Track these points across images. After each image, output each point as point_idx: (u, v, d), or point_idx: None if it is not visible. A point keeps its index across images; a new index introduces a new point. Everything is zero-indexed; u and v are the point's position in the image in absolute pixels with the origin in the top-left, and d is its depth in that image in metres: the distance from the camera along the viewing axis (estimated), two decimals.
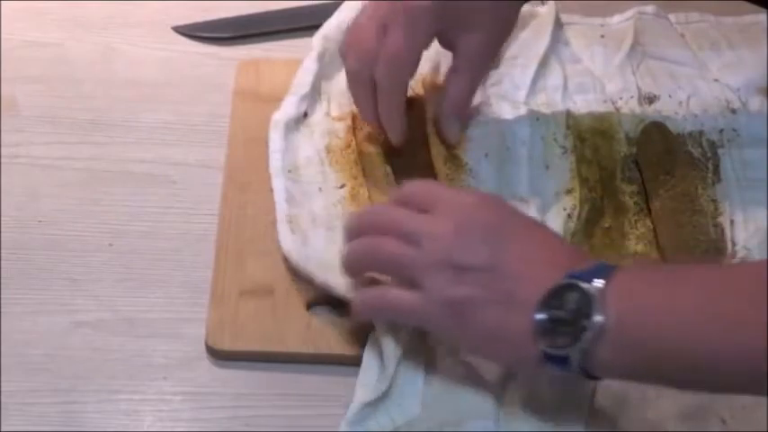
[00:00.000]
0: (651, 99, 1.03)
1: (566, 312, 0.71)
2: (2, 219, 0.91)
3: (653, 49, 1.08)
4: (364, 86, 0.91)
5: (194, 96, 1.03)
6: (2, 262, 0.89)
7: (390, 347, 0.81)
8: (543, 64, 1.04)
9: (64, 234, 0.91)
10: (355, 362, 0.84)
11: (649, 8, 1.11)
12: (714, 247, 0.91)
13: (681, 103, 1.03)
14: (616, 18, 1.11)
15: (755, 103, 1.03)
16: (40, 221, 0.92)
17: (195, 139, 0.99)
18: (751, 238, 0.91)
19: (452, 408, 0.79)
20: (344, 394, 0.82)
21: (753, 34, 1.10)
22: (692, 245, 0.90)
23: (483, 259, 0.75)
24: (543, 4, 1.11)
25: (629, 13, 1.12)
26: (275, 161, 0.95)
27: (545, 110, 1.00)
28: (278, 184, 0.93)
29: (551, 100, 1.01)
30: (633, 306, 0.71)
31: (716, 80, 1.05)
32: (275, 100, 0.99)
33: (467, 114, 0.95)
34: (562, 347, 0.71)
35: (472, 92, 0.95)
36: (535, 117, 0.98)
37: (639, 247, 0.92)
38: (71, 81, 1.04)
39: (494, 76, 1.02)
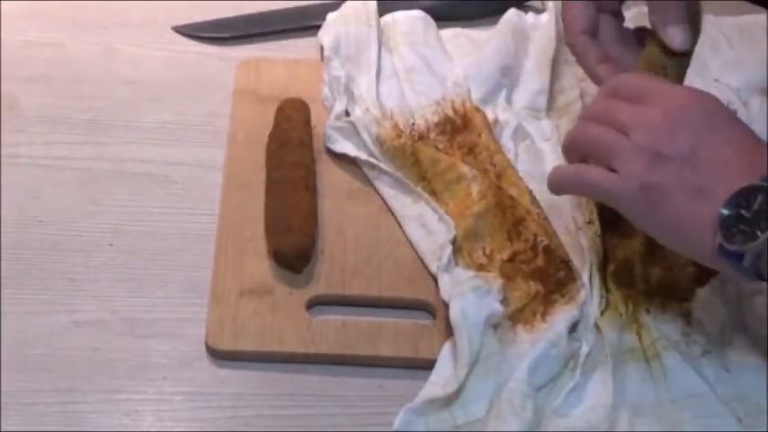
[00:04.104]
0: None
1: (750, 212, 0.75)
2: (2, 219, 0.91)
3: None
4: None
5: (194, 96, 1.03)
6: (2, 262, 0.88)
7: (465, 354, 0.81)
8: (555, 67, 1.04)
9: (64, 234, 0.91)
10: (355, 362, 0.84)
11: None
12: None
13: None
14: None
15: (755, 103, 1.03)
16: (40, 221, 0.92)
17: (195, 139, 0.99)
18: None
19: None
20: (344, 394, 0.82)
21: (753, 34, 1.10)
22: None
23: (683, 149, 0.79)
24: (543, 5, 1.11)
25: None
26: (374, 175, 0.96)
27: (564, 115, 1.01)
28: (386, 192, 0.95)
29: (570, 98, 1.03)
30: None
31: (716, 80, 1.05)
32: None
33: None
34: (739, 244, 0.75)
35: None
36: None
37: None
38: (71, 81, 1.04)
39: (516, 92, 1.03)
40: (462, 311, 0.83)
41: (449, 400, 0.80)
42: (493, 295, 0.85)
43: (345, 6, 1.08)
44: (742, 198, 0.76)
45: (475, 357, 0.81)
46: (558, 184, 0.87)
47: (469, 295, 0.84)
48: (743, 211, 0.75)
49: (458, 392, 0.80)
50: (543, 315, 0.85)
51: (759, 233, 0.74)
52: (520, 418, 0.78)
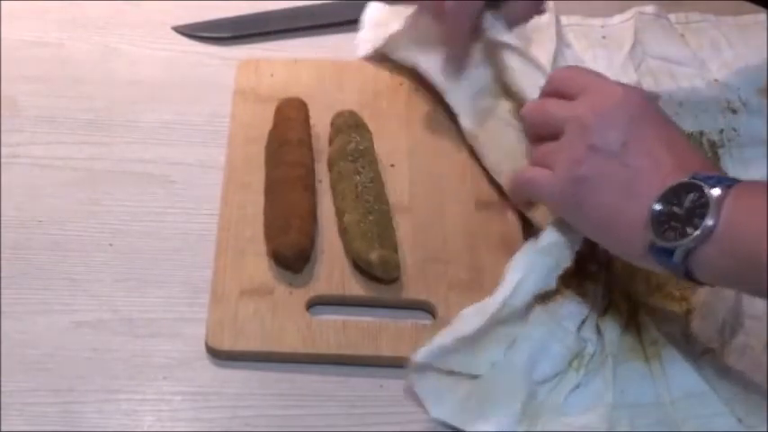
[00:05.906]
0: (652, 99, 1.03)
1: (681, 209, 0.75)
2: (2, 219, 0.91)
3: (653, 49, 1.08)
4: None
5: (194, 96, 1.03)
6: (2, 262, 0.88)
7: (500, 296, 0.81)
8: (554, 67, 1.04)
9: (64, 234, 0.91)
10: (355, 362, 0.84)
11: (649, 8, 1.12)
12: None
13: (681, 103, 1.03)
14: (616, 18, 1.12)
15: (755, 103, 1.03)
16: (40, 221, 0.92)
17: (195, 139, 0.99)
18: None
19: None
20: (344, 394, 0.82)
21: (753, 34, 1.10)
22: None
23: (613, 144, 0.79)
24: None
25: (629, 14, 1.12)
26: None
27: None
28: None
29: None
30: (742, 217, 0.74)
31: (716, 80, 1.05)
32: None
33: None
34: (671, 241, 0.75)
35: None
36: None
37: None
38: (71, 81, 1.04)
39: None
40: (525, 275, 0.82)
41: (471, 342, 0.80)
42: (555, 276, 0.84)
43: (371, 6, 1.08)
44: (673, 195, 0.76)
45: (499, 315, 0.81)
46: (509, 190, 0.90)
47: (543, 264, 0.83)
48: (675, 208, 0.76)
49: (479, 338, 0.80)
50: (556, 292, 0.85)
51: (690, 230, 0.74)
52: (508, 405, 0.78)
